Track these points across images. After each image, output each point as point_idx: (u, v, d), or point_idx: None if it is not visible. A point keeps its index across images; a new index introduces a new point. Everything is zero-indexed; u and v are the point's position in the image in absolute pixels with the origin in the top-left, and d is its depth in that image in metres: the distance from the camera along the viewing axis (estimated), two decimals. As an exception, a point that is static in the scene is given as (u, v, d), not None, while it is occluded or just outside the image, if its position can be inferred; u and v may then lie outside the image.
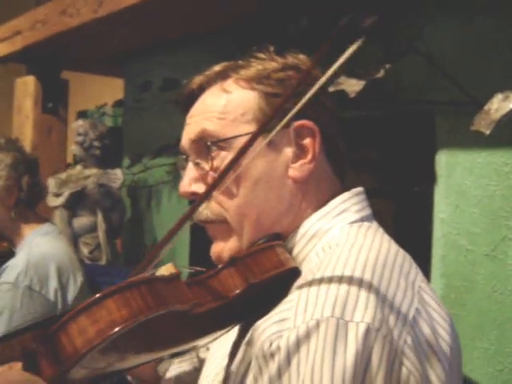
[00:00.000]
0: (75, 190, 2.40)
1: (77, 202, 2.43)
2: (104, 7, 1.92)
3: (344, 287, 0.66)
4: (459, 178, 1.37)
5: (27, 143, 2.48)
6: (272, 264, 0.75)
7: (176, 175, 2.21)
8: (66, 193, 2.40)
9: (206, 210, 0.81)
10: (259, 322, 0.69)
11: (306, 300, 0.67)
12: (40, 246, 1.74)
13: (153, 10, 1.84)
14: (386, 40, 1.37)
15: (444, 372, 0.67)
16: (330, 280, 0.67)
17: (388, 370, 0.63)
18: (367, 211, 0.83)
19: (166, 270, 0.73)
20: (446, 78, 1.35)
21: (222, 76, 0.83)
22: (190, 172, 0.82)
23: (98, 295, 0.60)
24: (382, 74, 1.35)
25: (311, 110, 0.78)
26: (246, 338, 0.72)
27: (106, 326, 0.58)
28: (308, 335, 0.63)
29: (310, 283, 0.68)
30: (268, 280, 0.73)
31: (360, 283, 0.67)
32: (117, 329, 0.58)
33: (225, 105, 0.80)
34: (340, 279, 0.67)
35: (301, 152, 0.80)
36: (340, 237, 0.76)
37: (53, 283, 1.70)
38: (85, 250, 2.42)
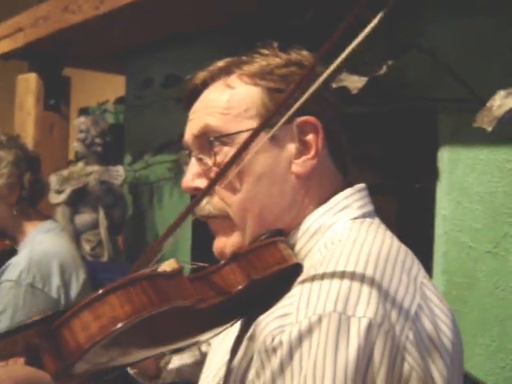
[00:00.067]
0: (77, 186, 2.41)
1: (79, 199, 2.44)
2: (105, 4, 1.92)
3: (346, 282, 0.66)
4: (461, 175, 1.37)
5: (29, 140, 2.49)
6: (274, 260, 0.75)
7: (177, 172, 2.21)
8: (68, 190, 2.41)
9: (208, 206, 0.81)
10: (261, 317, 0.69)
11: (308, 295, 0.67)
12: (42, 243, 1.74)
13: (154, 6, 1.84)
14: (388, 36, 1.37)
15: (446, 367, 0.67)
16: (332, 275, 0.67)
17: (390, 365, 0.64)
18: (369, 207, 0.83)
19: (168, 266, 0.73)
20: (448, 74, 1.35)
21: (226, 72, 0.83)
22: (193, 167, 0.83)
23: (100, 291, 0.60)
24: (384, 70, 1.35)
25: (314, 105, 0.78)
26: (249, 333, 0.73)
27: (109, 321, 0.58)
28: (310, 330, 0.63)
29: (312, 278, 0.69)
30: (270, 276, 0.73)
31: (362, 278, 0.67)
32: (120, 325, 0.58)
33: (228, 100, 0.80)
34: (342, 274, 0.67)
35: (304, 148, 0.80)
36: (342, 233, 0.76)
37: (55, 280, 1.70)
38: (87, 247, 2.42)
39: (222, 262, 0.73)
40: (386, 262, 0.71)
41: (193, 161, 0.83)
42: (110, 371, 0.72)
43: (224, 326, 0.78)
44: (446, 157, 1.40)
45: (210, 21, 1.97)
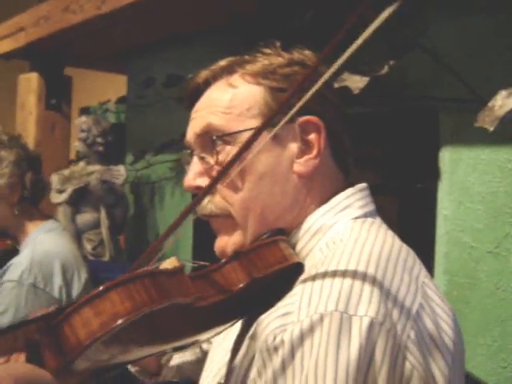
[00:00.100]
0: (78, 186, 2.41)
1: (80, 199, 2.44)
2: (107, 3, 1.92)
3: (348, 281, 0.66)
4: (463, 175, 1.37)
5: (30, 140, 2.49)
6: (275, 259, 0.75)
7: (179, 171, 2.21)
8: (69, 189, 2.41)
9: (210, 204, 0.81)
10: (263, 317, 0.69)
11: (309, 294, 0.67)
12: (44, 243, 1.74)
13: (155, 6, 1.84)
14: (389, 36, 1.37)
15: (447, 367, 0.67)
16: (334, 274, 0.67)
17: (391, 364, 0.64)
18: (371, 207, 0.83)
19: (169, 264, 0.73)
20: (450, 74, 1.35)
21: (228, 71, 0.83)
22: (195, 166, 0.82)
23: (101, 287, 0.60)
24: (385, 70, 1.35)
25: (316, 105, 0.78)
26: (250, 332, 0.73)
27: (110, 318, 0.58)
28: (312, 329, 0.63)
29: (313, 277, 0.69)
30: (271, 275, 0.73)
31: (364, 277, 0.67)
32: (120, 321, 0.58)
33: (230, 99, 0.80)
34: (344, 273, 0.67)
35: (306, 147, 0.80)
36: (344, 232, 0.76)
37: (57, 280, 1.70)
38: (88, 247, 2.42)
39: (224, 261, 0.73)
40: (388, 261, 0.71)
41: (195, 160, 0.83)
42: (111, 369, 0.72)
43: (225, 325, 0.78)
44: (447, 157, 1.40)
45: (211, 21, 1.97)
